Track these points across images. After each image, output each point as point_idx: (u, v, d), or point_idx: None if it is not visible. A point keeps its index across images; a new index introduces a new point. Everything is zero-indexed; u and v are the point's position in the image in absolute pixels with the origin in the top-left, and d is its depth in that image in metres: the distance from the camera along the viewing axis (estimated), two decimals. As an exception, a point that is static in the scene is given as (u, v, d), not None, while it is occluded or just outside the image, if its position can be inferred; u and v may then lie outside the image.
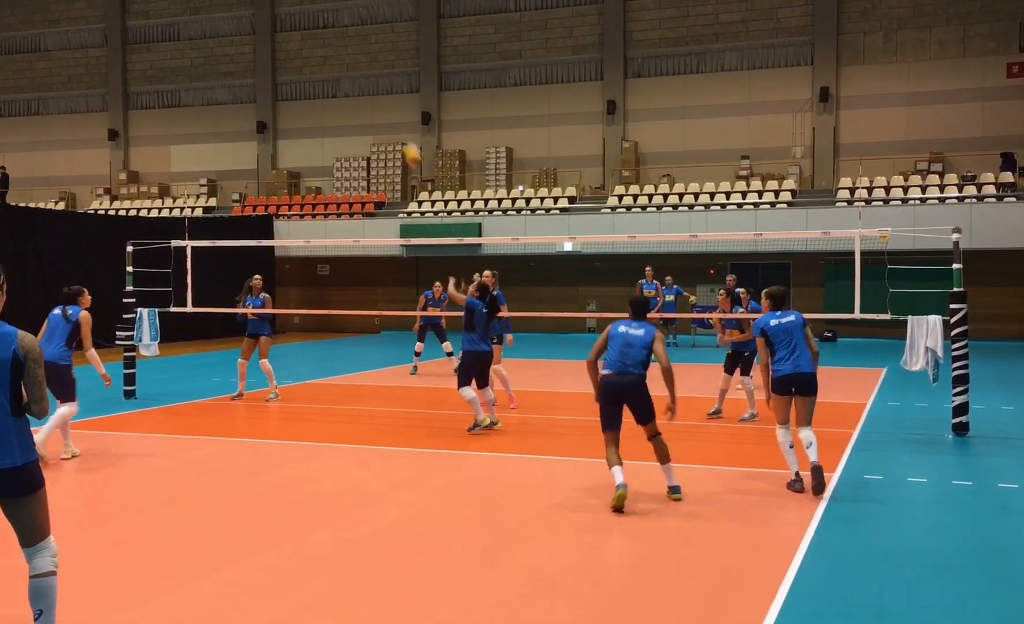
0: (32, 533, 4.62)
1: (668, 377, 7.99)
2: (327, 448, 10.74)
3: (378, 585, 5.99)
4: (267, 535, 7.13)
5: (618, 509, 7.66)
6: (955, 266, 11.53)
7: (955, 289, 11.48)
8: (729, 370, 12.89)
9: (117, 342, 15.47)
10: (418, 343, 18.23)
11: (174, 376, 17.60)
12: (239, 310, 14.53)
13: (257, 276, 14.90)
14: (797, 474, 8.50)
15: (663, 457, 8.19)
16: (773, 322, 8.56)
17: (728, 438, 11.54)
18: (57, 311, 10.09)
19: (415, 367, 18.32)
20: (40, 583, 4.60)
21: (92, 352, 10.19)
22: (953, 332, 11.40)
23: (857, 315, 12.27)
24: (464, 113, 33.71)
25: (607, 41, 31.91)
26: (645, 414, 8.09)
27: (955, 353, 11.37)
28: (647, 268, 21.10)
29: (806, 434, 8.46)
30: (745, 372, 12.78)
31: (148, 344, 14.68)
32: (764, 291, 9.03)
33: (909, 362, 11.65)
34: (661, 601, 5.74)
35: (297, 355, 23.43)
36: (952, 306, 11.41)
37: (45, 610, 4.59)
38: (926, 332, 11.52)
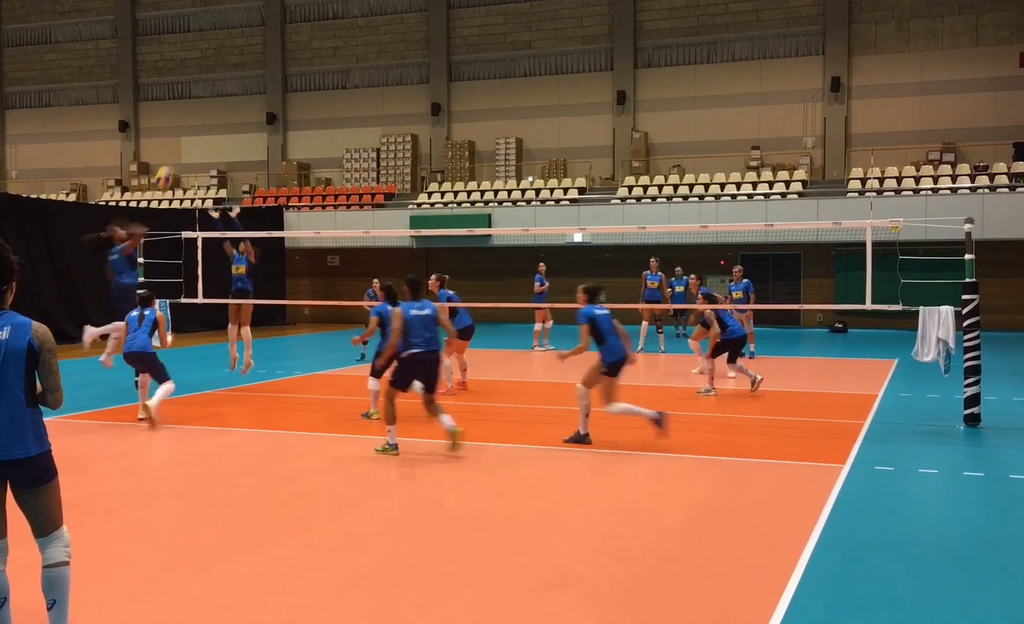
0: (45, 523, 4.64)
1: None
2: (337, 439, 10.76)
3: (389, 577, 6.00)
4: (279, 527, 7.15)
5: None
6: (967, 256, 11.47)
7: (967, 280, 11.43)
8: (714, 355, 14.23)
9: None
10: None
11: (185, 367, 17.64)
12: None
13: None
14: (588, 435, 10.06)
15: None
16: (598, 312, 9.92)
17: (732, 430, 11.52)
18: (134, 312, 11.66)
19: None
20: (53, 573, 4.62)
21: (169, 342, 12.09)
22: (965, 323, 11.35)
23: (868, 306, 12.23)
24: (474, 104, 33.68)
25: (617, 31, 31.81)
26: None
27: (967, 344, 11.32)
28: (652, 259, 21.05)
29: (620, 407, 9.96)
30: (730, 359, 14.28)
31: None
32: (581, 286, 10.27)
33: (921, 353, 11.61)
34: (671, 593, 5.73)
35: (307, 346, 23.46)
36: (964, 297, 11.36)
37: (59, 600, 4.61)
38: (938, 323, 11.47)
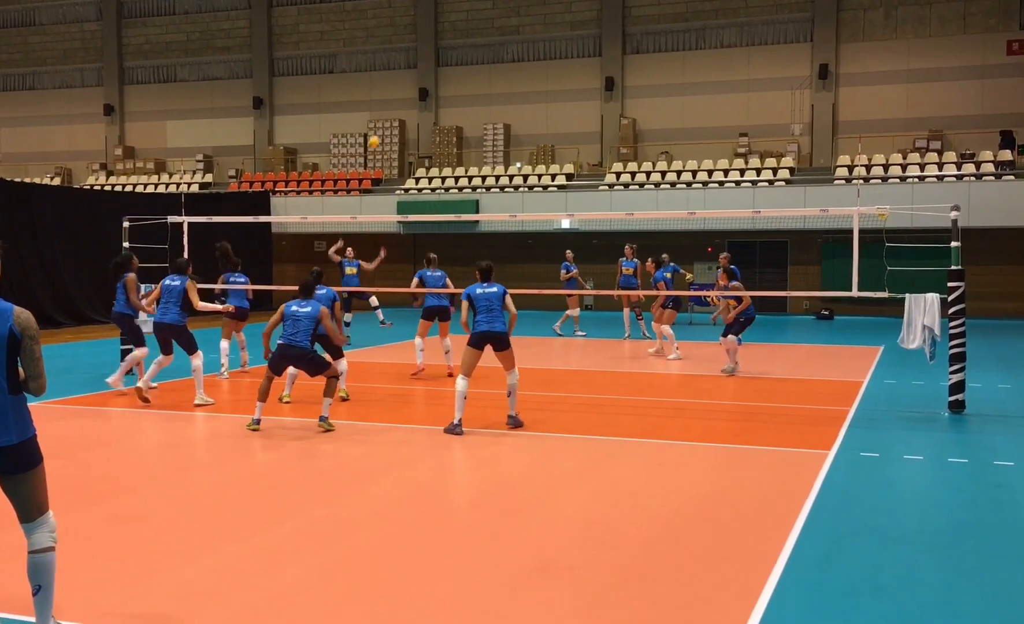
0: (31, 509, 4.61)
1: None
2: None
3: (378, 563, 6.00)
4: (266, 513, 7.14)
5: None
6: (953, 244, 11.51)
7: (953, 267, 11.47)
8: (725, 334, 14.70)
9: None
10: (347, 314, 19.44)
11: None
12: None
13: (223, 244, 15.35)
14: (460, 422, 9.95)
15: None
16: (479, 290, 10.28)
17: (719, 417, 11.55)
18: (167, 280, 12.17)
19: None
20: (39, 558, 4.59)
21: (202, 305, 12.58)
22: (950, 310, 11.40)
23: (855, 293, 12.26)
24: (461, 89, 33.57)
25: (605, 17, 31.74)
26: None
27: (952, 331, 11.37)
28: (627, 246, 21.05)
29: (512, 378, 10.31)
30: (736, 333, 14.62)
31: (144, 320, 14.63)
32: (476, 265, 10.64)
33: (906, 340, 11.66)
34: (657, 578, 5.75)
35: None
36: (950, 284, 11.40)
37: (44, 585, 4.59)
38: (924, 310, 11.53)
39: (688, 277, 25.58)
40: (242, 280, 14.88)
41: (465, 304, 10.31)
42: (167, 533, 6.62)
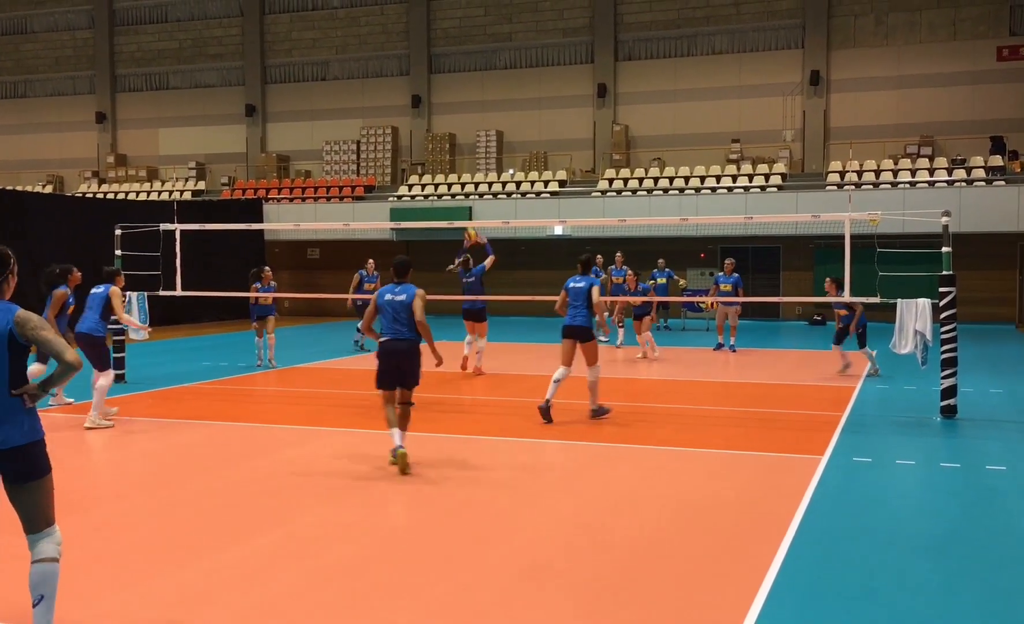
0: (37, 520, 4.52)
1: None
2: (318, 432, 10.73)
3: (369, 569, 6.00)
4: (257, 519, 7.12)
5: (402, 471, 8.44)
6: (944, 249, 11.56)
7: (944, 272, 11.51)
8: (838, 341, 15.74)
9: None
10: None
11: (163, 360, 17.55)
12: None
13: (267, 268, 17.51)
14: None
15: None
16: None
17: (712, 422, 11.57)
18: (95, 288, 11.38)
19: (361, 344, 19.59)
20: (43, 568, 4.51)
21: (125, 317, 12.00)
22: (942, 315, 11.44)
23: (847, 298, 12.30)
24: (454, 96, 33.60)
25: (598, 24, 31.81)
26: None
27: (944, 336, 11.41)
28: (617, 254, 20.96)
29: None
30: (861, 345, 15.49)
31: (138, 328, 14.62)
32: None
33: (898, 345, 11.70)
34: (650, 583, 5.76)
35: (288, 339, 23.34)
36: (941, 289, 11.44)
37: (47, 596, 4.50)
38: (915, 315, 11.56)
39: (681, 283, 25.66)
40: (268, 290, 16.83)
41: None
42: (158, 540, 6.60)
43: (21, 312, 4.52)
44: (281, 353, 18.69)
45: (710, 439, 10.35)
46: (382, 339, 8.96)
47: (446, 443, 9.95)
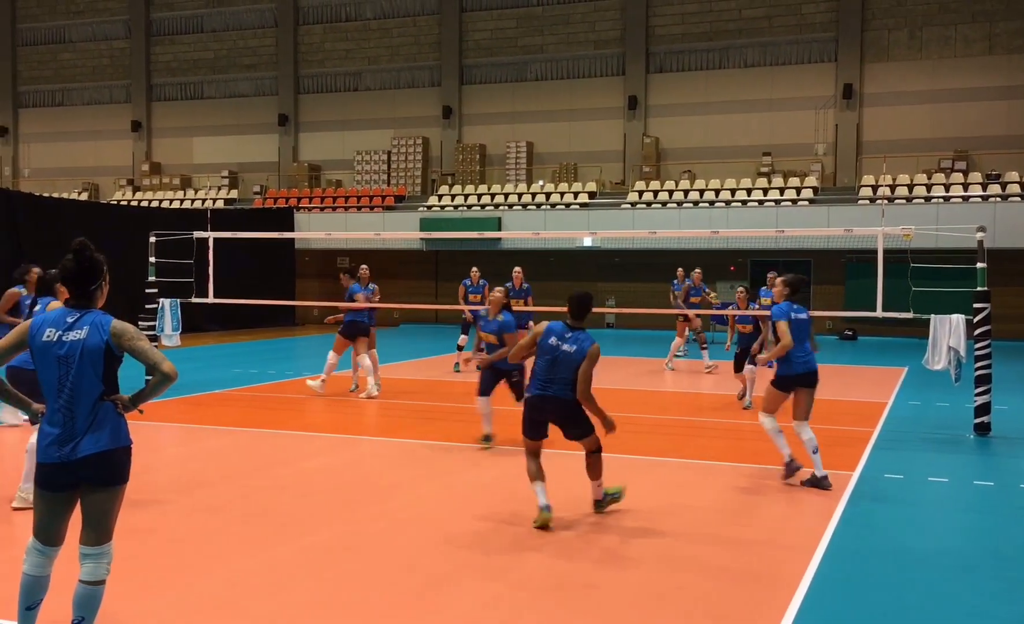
0: (100, 532, 4.47)
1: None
2: (345, 440, 10.77)
3: (393, 579, 6.00)
4: (283, 527, 7.15)
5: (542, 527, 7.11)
6: (979, 265, 11.43)
7: (979, 288, 11.39)
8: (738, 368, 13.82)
9: (139, 332, 15.53)
10: (462, 336, 17.75)
11: (195, 366, 17.69)
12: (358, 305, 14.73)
13: (364, 266, 15.43)
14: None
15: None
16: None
17: (741, 436, 11.49)
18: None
19: (458, 363, 17.23)
20: (90, 590, 4.45)
21: (7, 318, 9.82)
22: (976, 332, 11.31)
23: (879, 313, 12.20)
24: (485, 107, 33.71)
25: (629, 36, 31.81)
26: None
27: (978, 353, 11.28)
28: (696, 270, 19.16)
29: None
30: (739, 368, 13.80)
31: (170, 334, 14.80)
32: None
33: (931, 361, 11.56)
34: (676, 601, 5.72)
35: (317, 347, 23.46)
36: (975, 305, 11.32)
37: (87, 618, 4.44)
38: (949, 331, 11.43)
39: (712, 297, 25.50)
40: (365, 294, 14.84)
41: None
42: (184, 546, 6.64)
43: (116, 323, 4.53)
44: (313, 361, 18.76)
45: (740, 453, 10.27)
46: (528, 395, 7.43)
47: (471, 454, 9.92)
